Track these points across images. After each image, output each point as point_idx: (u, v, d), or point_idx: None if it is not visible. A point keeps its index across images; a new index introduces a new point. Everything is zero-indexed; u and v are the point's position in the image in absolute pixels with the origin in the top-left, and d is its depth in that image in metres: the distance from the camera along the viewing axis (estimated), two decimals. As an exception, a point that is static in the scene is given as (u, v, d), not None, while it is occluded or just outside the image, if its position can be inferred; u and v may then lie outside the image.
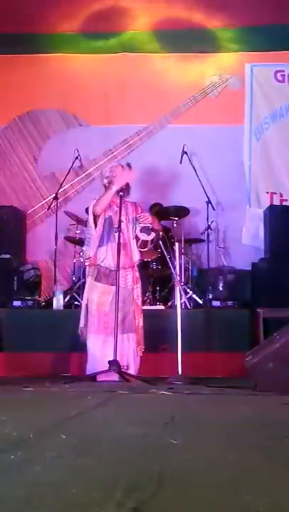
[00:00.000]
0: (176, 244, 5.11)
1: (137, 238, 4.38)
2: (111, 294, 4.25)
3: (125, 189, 4.41)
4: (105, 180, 4.50)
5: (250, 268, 6.39)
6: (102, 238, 4.34)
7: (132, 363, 4.29)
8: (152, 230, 4.32)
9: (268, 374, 3.52)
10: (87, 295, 4.42)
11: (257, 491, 1.35)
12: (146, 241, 4.34)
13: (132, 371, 4.19)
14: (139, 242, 4.37)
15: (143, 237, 4.32)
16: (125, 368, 4.03)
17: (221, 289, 5.90)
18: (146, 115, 7.22)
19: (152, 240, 4.36)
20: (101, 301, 4.32)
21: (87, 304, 4.38)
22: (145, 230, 4.33)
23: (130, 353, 4.31)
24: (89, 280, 4.46)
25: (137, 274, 4.45)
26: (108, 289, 4.30)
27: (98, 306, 4.32)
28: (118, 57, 7.28)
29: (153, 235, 4.32)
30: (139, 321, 4.38)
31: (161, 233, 4.46)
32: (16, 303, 5.76)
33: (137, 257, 4.42)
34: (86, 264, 4.56)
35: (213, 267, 6.32)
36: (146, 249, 4.44)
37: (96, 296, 4.36)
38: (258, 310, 5.44)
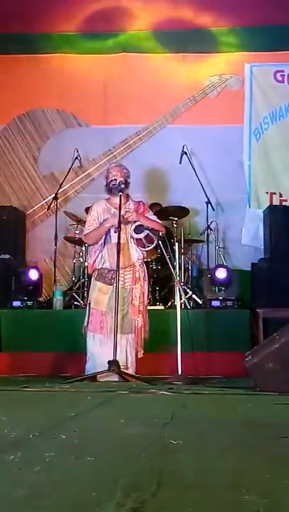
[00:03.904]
0: (176, 244, 5.11)
1: (132, 237, 4.34)
2: (108, 293, 4.26)
3: (123, 188, 4.40)
4: (105, 182, 4.52)
5: (250, 268, 6.39)
6: (103, 241, 4.34)
7: (130, 364, 4.27)
8: (146, 228, 4.26)
9: (267, 374, 3.52)
10: (89, 294, 4.47)
11: (257, 491, 1.35)
12: (140, 239, 4.30)
13: (130, 373, 4.17)
14: (134, 240, 4.34)
15: (135, 236, 4.29)
16: (123, 368, 4.02)
17: (220, 288, 5.88)
18: (145, 115, 7.22)
19: (150, 239, 4.29)
20: (98, 300, 4.33)
21: (89, 303, 4.40)
22: (139, 229, 4.28)
23: (128, 354, 4.28)
24: (91, 279, 4.50)
25: (138, 274, 4.37)
26: (105, 288, 4.30)
27: (95, 305, 4.34)
28: (118, 57, 7.28)
29: (145, 233, 4.25)
30: (138, 322, 4.31)
31: (160, 233, 4.38)
32: (16, 303, 5.75)
33: (136, 256, 4.38)
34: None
35: (213, 267, 6.31)
36: (146, 249, 4.39)
37: (94, 294, 4.38)
38: (257, 310, 5.44)
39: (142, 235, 4.26)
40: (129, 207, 4.46)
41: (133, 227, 4.29)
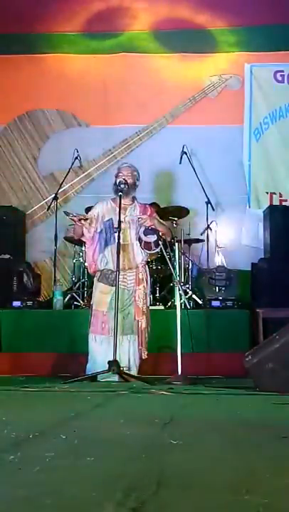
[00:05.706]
0: (176, 244, 5.11)
1: (140, 240, 4.35)
2: (110, 294, 4.26)
3: (125, 189, 4.40)
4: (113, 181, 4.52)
5: (249, 268, 6.39)
6: (105, 241, 4.36)
7: (132, 365, 4.28)
8: (156, 231, 4.28)
9: (267, 374, 3.52)
10: (92, 296, 4.49)
11: (257, 491, 1.35)
12: (149, 243, 4.30)
13: (132, 374, 4.17)
14: (142, 243, 4.34)
15: (145, 238, 4.29)
16: (125, 369, 4.03)
17: (220, 288, 5.87)
18: (145, 115, 7.21)
19: (157, 243, 4.31)
20: (99, 301, 4.34)
21: (92, 305, 4.42)
22: (149, 231, 4.29)
23: (131, 355, 4.29)
24: (94, 280, 4.50)
25: (141, 275, 4.38)
26: (107, 289, 4.30)
27: (97, 306, 4.34)
28: (118, 57, 7.27)
29: (155, 237, 4.27)
30: (141, 323, 4.32)
31: (164, 236, 4.40)
32: (16, 303, 5.75)
33: (140, 258, 4.39)
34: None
35: (213, 267, 6.31)
36: (151, 251, 4.39)
37: (96, 295, 4.40)
38: (257, 310, 5.44)
39: (150, 239, 4.27)
40: (135, 209, 4.47)
41: (143, 229, 4.30)
